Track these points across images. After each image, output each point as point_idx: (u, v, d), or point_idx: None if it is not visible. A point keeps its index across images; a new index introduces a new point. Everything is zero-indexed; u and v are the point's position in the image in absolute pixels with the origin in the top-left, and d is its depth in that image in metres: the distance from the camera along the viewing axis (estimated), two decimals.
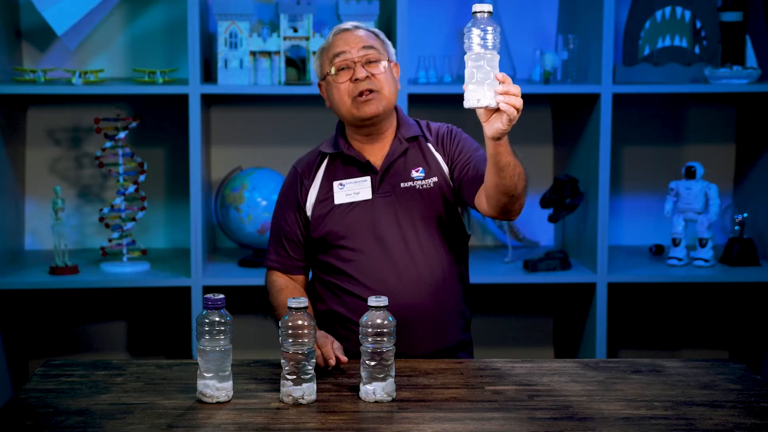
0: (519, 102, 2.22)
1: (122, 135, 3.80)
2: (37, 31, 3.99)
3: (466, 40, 2.19)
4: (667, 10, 3.94)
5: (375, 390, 2.22)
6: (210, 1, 3.93)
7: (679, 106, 4.22)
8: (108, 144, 3.81)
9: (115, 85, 3.80)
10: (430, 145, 2.68)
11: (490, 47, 2.18)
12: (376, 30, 2.68)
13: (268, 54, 3.78)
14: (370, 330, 2.21)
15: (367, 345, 2.21)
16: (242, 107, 4.11)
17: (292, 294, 2.62)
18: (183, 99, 3.76)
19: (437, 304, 2.63)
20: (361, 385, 2.24)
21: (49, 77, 3.84)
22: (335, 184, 2.64)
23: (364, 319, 2.22)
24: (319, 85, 2.69)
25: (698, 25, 3.94)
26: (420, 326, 2.60)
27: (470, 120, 4.23)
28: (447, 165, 2.66)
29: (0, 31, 3.81)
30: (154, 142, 4.09)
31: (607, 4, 3.67)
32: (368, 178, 2.63)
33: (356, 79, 2.57)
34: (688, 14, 3.94)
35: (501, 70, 3.85)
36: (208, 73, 3.92)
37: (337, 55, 2.60)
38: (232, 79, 3.75)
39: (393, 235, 2.60)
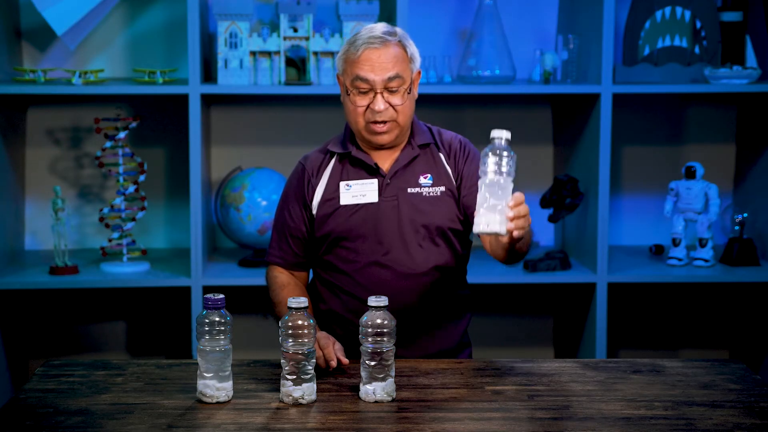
0: (528, 222, 2.25)
1: (122, 135, 3.80)
2: (37, 31, 3.99)
3: (482, 165, 2.19)
4: (667, 10, 3.94)
5: (375, 390, 2.22)
6: (210, 1, 3.93)
7: (679, 106, 4.22)
8: (108, 144, 3.81)
9: (115, 85, 3.80)
10: (441, 155, 2.66)
11: (505, 174, 2.18)
12: (404, 40, 2.58)
13: (268, 54, 3.78)
14: (370, 330, 2.21)
15: (367, 345, 2.21)
16: (242, 107, 4.11)
17: (293, 291, 2.62)
18: (183, 99, 3.76)
19: (436, 309, 2.63)
20: (361, 385, 2.24)
21: (49, 77, 3.84)
22: (342, 184, 2.63)
23: (364, 319, 2.22)
24: (338, 77, 2.63)
25: (698, 25, 3.94)
26: (418, 330, 2.61)
27: (471, 119, 4.25)
28: (455, 180, 2.65)
29: (0, 31, 3.81)
30: (154, 142, 4.09)
31: (607, 4, 3.67)
32: (375, 181, 2.62)
33: (373, 110, 2.53)
34: (688, 14, 3.94)
35: (501, 72, 3.91)
36: (208, 73, 3.92)
37: (361, 78, 2.53)
38: (232, 79, 3.75)
39: (395, 240, 2.60)
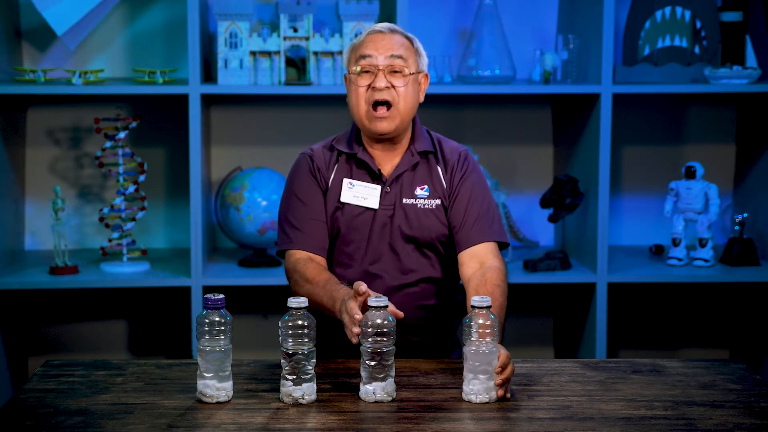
0: (512, 374, 2.28)
1: (122, 135, 3.80)
2: (37, 31, 3.99)
3: (465, 329, 2.22)
4: (667, 10, 3.94)
5: (375, 390, 2.22)
6: (210, 1, 3.93)
7: (679, 106, 4.22)
8: (108, 144, 3.81)
9: (115, 85, 3.80)
10: (439, 168, 2.64)
11: (488, 341, 2.21)
12: (413, 37, 2.61)
13: (268, 54, 3.78)
14: (370, 330, 2.20)
15: (367, 345, 2.21)
16: (242, 107, 4.11)
17: (332, 280, 2.48)
18: (183, 99, 3.76)
19: (425, 319, 2.63)
20: (361, 385, 2.24)
21: (49, 77, 3.84)
22: (345, 181, 2.61)
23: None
24: (345, 78, 2.63)
25: (698, 25, 3.94)
26: (405, 340, 2.59)
27: (471, 119, 4.24)
28: (449, 195, 2.63)
29: (0, 31, 3.81)
30: (154, 142, 4.09)
31: (607, 4, 3.67)
32: (378, 187, 2.61)
33: (374, 87, 2.53)
34: (688, 14, 3.94)
35: (501, 72, 3.90)
36: (208, 73, 3.92)
37: (364, 56, 2.55)
38: (232, 79, 3.75)
39: (386, 249, 2.59)
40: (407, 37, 2.60)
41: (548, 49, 4.00)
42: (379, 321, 2.21)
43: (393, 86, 2.54)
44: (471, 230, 2.59)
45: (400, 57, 2.55)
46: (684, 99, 4.20)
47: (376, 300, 2.22)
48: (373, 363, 2.21)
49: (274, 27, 3.93)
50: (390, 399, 2.23)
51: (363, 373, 2.23)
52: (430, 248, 2.62)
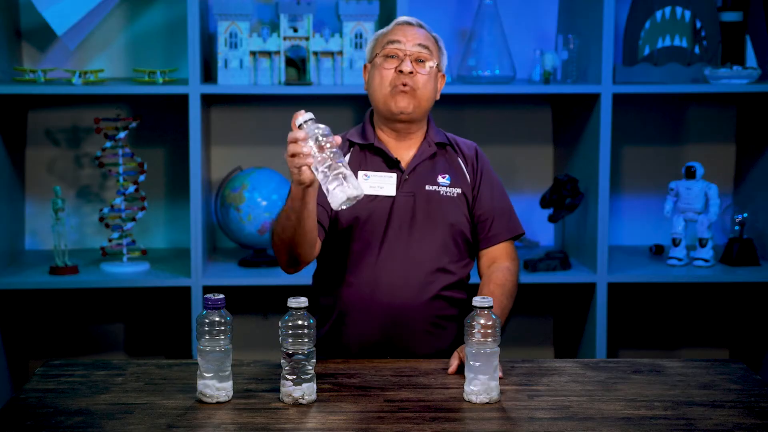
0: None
1: (122, 135, 3.80)
2: (37, 31, 3.99)
3: (467, 329, 2.22)
4: (667, 10, 3.94)
5: (342, 189, 2.19)
6: (210, 1, 3.94)
7: (679, 106, 4.22)
8: (108, 144, 3.81)
9: (115, 85, 3.80)
10: (460, 160, 2.69)
11: (491, 341, 2.22)
12: (438, 36, 2.69)
13: (268, 54, 3.78)
14: (311, 137, 2.26)
15: (315, 151, 2.23)
16: (242, 107, 4.11)
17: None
18: (183, 99, 3.76)
19: (437, 309, 2.62)
20: (330, 189, 2.20)
21: (49, 77, 3.84)
22: (360, 173, 2.61)
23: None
24: (365, 67, 2.70)
25: (698, 25, 3.94)
26: (417, 329, 2.59)
27: (471, 119, 4.24)
28: (472, 188, 2.67)
29: (0, 31, 3.81)
30: (154, 142, 4.09)
31: (607, 4, 3.67)
32: (394, 175, 2.62)
33: (400, 71, 2.58)
34: (688, 14, 3.94)
35: (501, 72, 3.90)
36: (208, 73, 3.92)
37: (392, 42, 2.61)
38: (232, 79, 3.75)
39: (405, 236, 2.59)
40: (433, 36, 2.68)
41: (548, 49, 4.00)
42: (317, 130, 2.25)
43: (417, 73, 2.60)
44: (489, 231, 2.67)
45: (426, 48, 2.62)
46: (684, 99, 4.20)
47: (303, 116, 2.27)
48: (327, 166, 2.20)
49: (274, 27, 3.93)
50: (359, 193, 2.20)
51: (320, 177, 2.21)
52: (450, 237, 2.62)
